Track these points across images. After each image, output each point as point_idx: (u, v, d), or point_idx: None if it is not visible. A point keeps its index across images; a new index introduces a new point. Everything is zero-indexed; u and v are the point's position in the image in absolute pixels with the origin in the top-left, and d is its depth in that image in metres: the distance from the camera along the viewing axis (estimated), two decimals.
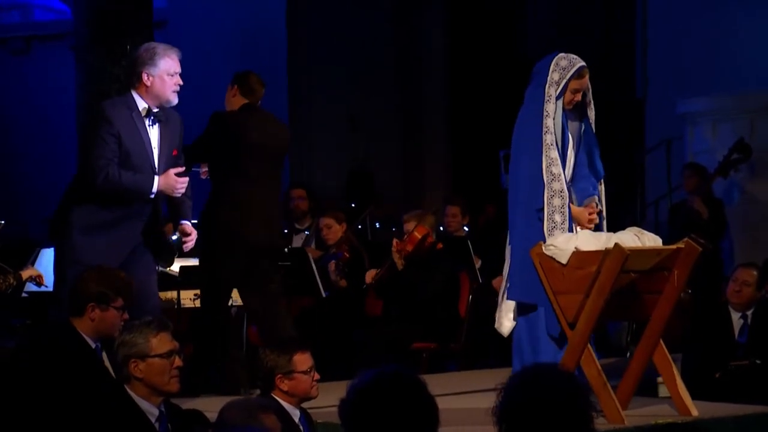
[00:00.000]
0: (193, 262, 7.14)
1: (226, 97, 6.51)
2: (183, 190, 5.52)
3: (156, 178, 5.43)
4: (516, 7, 14.16)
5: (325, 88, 13.43)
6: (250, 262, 6.28)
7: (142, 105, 5.48)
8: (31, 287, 6.78)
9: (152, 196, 5.46)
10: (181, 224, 5.75)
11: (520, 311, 5.75)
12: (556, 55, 5.76)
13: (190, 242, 5.78)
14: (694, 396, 5.52)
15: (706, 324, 6.95)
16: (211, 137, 6.31)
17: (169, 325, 4.28)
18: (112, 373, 4.39)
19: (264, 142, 6.36)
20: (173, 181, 5.44)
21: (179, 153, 5.68)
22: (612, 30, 13.40)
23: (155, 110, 5.50)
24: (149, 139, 5.49)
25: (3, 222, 7.14)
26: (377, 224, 10.69)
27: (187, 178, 5.56)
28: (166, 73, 5.48)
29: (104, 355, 4.58)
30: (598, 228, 5.72)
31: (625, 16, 12.70)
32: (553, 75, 5.68)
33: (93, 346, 4.57)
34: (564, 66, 5.70)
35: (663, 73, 11.60)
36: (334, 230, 8.34)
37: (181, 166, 5.68)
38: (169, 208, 5.75)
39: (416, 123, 14.38)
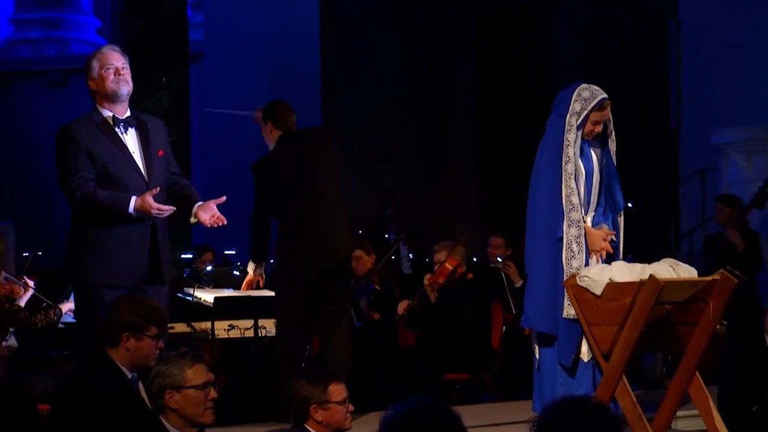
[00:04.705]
0: (227, 292, 7.17)
1: (264, 136, 6.57)
2: (161, 213, 5.25)
3: (133, 198, 5.24)
4: (546, 40, 14.19)
5: (357, 121, 13.51)
6: (317, 294, 6.33)
7: (107, 114, 5.42)
8: (67, 318, 6.83)
9: (133, 214, 5.23)
10: (195, 209, 5.46)
11: (541, 340, 5.77)
12: (579, 85, 5.78)
13: (216, 220, 5.44)
14: (731, 429, 5.48)
15: (743, 356, 6.88)
16: (263, 186, 6.38)
17: (205, 356, 4.30)
18: (148, 404, 4.40)
19: (311, 164, 6.41)
20: (148, 205, 5.20)
21: (167, 154, 5.54)
22: (646, 62, 13.39)
23: (125, 116, 5.43)
24: (125, 145, 5.38)
25: (34, 254, 7.19)
26: (411, 255, 10.71)
27: (167, 206, 5.26)
28: (101, 69, 5.41)
29: (140, 385, 4.60)
30: (613, 258, 5.74)
31: (659, 48, 12.70)
32: (575, 105, 5.71)
33: (129, 376, 4.59)
34: (586, 97, 5.72)
35: (697, 104, 11.57)
36: (363, 262, 8.36)
37: (173, 166, 5.61)
38: (176, 201, 5.51)
39: (445, 155, 14.42)
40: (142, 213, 5.25)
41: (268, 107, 6.61)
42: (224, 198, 5.52)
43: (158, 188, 5.32)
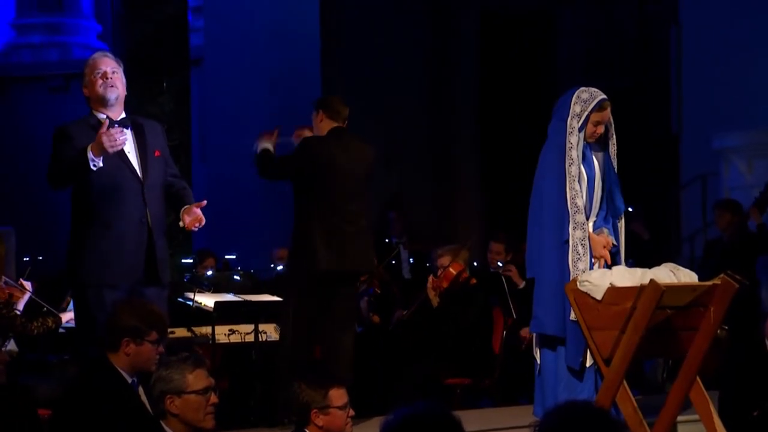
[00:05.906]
0: (228, 297, 7.17)
1: (314, 124, 6.56)
2: (119, 142, 5.20)
3: (89, 145, 5.21)
4: (548, 42, 14.20)
5: (358, 123, 13.50)
6: (329, 292, 6.31)
7: (101, 116, 5.47)
8: (66, 324, 6.82)
9: (95, 162, 5.19)
10: (181, 213, 5.49)
11: (542, 344, 5.76)
12: (578, 88, 5.81)
13: (194, 222, 5.46)
14: None
15: (744, 361, 6.88)
16: (298, 160, 6.36)
17: (206, 361, 4.31)
18: (149, 409, 4.40)
19: (351, 166, 6.41)
20: (100, 138, 5.17)
21: (164, 155, 5.58)
22: (647, 64, 13.40)
23: (120, 118, 5.47)
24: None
25: (34, 259, 7.18)
26: (411, 259, 10.71)
27: (120, 129, 5.26)
28: (91, 74, 5.49)
29: (140, 390, 4.60)
30: (613, 263, 5.74)
31: (660, 50, 12.70)
32: (575, 107, 5.73)
33: (129, 381, 4.59)
34: (585, 99, 5.75)
35: (698, 109, 11.57)
36: None
37: (172, 168, 5.64)
38: (173, 203, 5.59)
39: (448, 159, 14.41)
40: (102, 151, 5.19)
41: (322, 98, 6.66)
42: (205, 202, 5.56)
43: (108, 120, 5.36)
